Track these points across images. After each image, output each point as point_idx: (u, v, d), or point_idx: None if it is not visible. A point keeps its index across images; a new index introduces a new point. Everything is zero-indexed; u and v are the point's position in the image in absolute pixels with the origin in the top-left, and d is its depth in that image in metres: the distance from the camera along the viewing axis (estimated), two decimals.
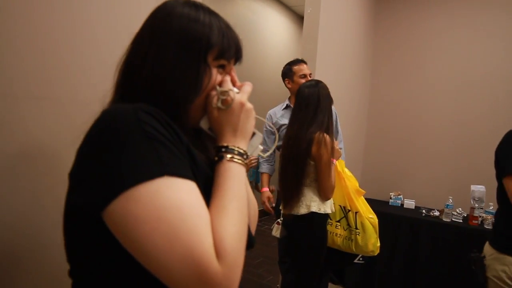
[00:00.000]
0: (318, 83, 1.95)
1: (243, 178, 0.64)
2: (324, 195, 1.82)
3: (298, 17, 5.70)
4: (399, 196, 3.47)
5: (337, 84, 2.92)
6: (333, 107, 2.54)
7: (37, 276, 1.03)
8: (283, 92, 2.68)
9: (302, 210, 1.81)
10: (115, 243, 0.52)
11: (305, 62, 2.43)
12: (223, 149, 0.66)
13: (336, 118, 2.47)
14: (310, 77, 2.36)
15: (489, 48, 3.33)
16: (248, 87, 0.73)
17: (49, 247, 1.04)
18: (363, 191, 2.03)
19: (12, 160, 0.96)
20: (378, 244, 2.02)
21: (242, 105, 0.69)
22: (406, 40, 3.72)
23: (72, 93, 1.07)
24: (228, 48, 0.70)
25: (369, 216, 2.00)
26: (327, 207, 1.85)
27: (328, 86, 1.98)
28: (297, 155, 1.82)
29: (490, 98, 3.27)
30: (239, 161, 0.65)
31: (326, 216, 1.86)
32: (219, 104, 0.68)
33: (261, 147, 0.76)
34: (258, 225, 4.91)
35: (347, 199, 1.98)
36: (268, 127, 2.44)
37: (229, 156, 0.65)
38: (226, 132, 0.68)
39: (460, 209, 3.02)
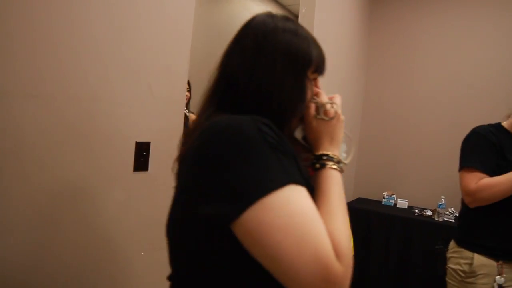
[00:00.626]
0: None
1: (342, 184, 0.68)
2: None
3: (293, 16, 5.69)
4: (392, 196, 3.49)
5: (331, 84, 2.93)
6: None
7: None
8: None
9: None
10: (232, 252, 0.56)
11: None
12: (324, 157, 0.70)
13: None
14: None
15: (484, 49, 3.35)
16: (339, 99, 0.78)
17: (43, 244, 1.03)
18: None
19: (4, 158, 0.95)
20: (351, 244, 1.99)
21: (339, 116, 0.75)
22: (401, 40, 3.74)
23: (66, 90, 1.06)
24: (323, 63, 0.75)
25: None
26: None
27: (322, 86, 1.98)
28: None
29: (483, 99, 3.30)
30: (338, 168, 0.70)
31: None
32: (322, 115, 0.73)
33: (344, 154, 0.80)
34: None
35: None
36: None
37: (330, 163, 0.69)
38: (324, 141, 0.73)
39: (452, 208, 3.04)
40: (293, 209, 0.53)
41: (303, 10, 2.71)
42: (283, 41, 0.68)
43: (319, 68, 0.74)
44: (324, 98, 0.76)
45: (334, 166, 0.69)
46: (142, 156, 1.26)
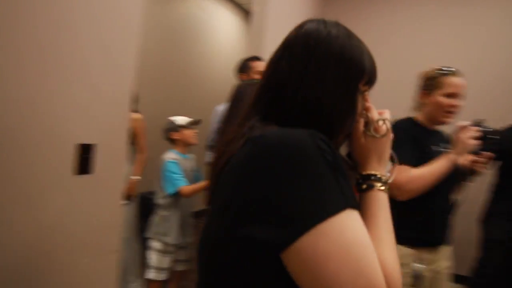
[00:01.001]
0: (251, 84, 1.98)
1: (389, 207, 0.65)
2: None
3: (247, 15, 5.71)
4: None
5: None
6: None
7: None
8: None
9: None
10: (274, 280, 0.51)
11: (262, 60, 2.48)
12: (372, 177, 0.66)
13: None
14: None
15: (440, 44, 3.56)
16: (388, 115, 0.72)
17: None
18: None
19: None
20: None
21: (389, 133, 0.70)
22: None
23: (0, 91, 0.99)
24: (374, 75, 0.69)
25: None
26: None
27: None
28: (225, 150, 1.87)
29: None
30: (386, 190, 0.65)
31: None
32: (373, 132, 0.68)
33: (387, 174, 0.76)
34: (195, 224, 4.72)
35: None
36: None
37: (379, 185, 0.65)
38: (372, 159, 0.68)
39: None
40: (350, 237, 0.48)
41: (257, 9, 2.72)
42: (336, 49, 0.63)
43: (371, 80, 0.68)
44: (375, 113, 0.70)
45: (383, 188, 0.65)
46: (84, 158, 1.20)
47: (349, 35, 0.66)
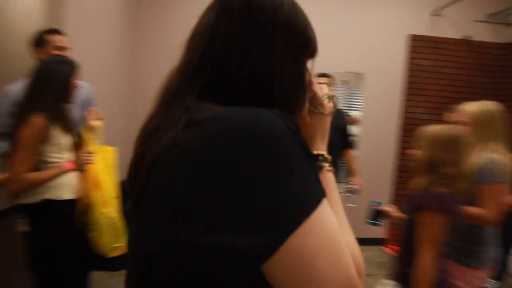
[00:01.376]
0: (61, 60, 1.76)
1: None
2: (9, 183, 1.63)
3: None
4: None
5: (90, 59, 2.75)
6: (88, 86, 2.36)
7: None
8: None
9: (32, 199, 1.66)
10: None
11: (63, 33, 2.18)
12: (320, 158, 0.62)
13: (91, 100, 2.31)
14: (66, 51, 2.14)
15: None
16: (327, 90, 0.67)
17: None
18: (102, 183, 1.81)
19: None
20: (119, 243, 1.75)
21: (332, 109, 0.66)
22: (168, 17, 3.82)
23: None
24: (317, 46, 0.62)
25: (103, 210, 1.73)
26: (62, 192, 1.71)
27: (78, 61, 1.83)
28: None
29: None
30: (332, 170, 0.61)
31: (62, 203, 1.71)
32: (320, 109, 0.64)
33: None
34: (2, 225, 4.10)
35: (86, 192, 1.79)
36: None
37: (327, 165, 0.61)
38: (317, 139, 0.64)
39: None
40: (329, 229, 0.44)
41: None
42: (282, 15, 0.55)
43: (315, 53, 0.62)
44: (319, 89, 0.65)
45: (330, 168, 0.61)
46: None
47: (293, 1, 0.60)
